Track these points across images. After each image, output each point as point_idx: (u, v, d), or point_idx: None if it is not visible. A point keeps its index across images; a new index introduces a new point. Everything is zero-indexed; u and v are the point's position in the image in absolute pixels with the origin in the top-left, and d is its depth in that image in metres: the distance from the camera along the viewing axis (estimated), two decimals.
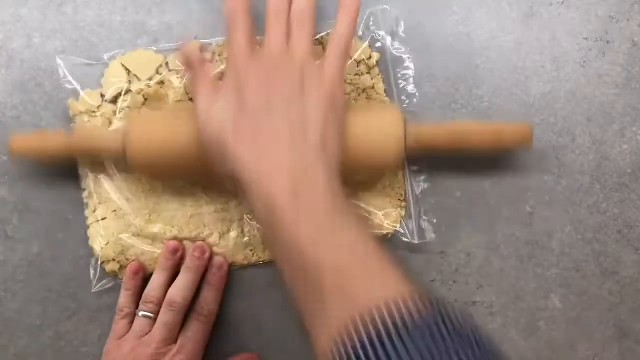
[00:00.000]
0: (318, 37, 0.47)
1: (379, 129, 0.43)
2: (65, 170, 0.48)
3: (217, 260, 0.46)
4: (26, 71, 0.49)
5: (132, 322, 0.45)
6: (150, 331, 0.44)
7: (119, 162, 0.45)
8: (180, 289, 0.44)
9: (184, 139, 0.41)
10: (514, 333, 0.48)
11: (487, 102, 0.49)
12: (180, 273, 0.45)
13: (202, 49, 0.43)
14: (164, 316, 0.44)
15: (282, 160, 0.36)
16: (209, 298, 0.45)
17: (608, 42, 0.49)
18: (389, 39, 0.48)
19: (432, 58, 0.49)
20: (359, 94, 0.47)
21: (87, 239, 0.47)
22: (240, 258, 0.47)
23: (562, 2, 0.49)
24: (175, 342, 0.44)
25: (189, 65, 0.41)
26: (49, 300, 0.48)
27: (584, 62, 0.49)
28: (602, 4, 0.49)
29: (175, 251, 0.45)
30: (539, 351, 0.48)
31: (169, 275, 0.45)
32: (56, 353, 0.47)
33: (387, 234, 0.47)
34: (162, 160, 0.42)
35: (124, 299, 0.45)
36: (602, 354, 0.48)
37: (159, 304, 0.44)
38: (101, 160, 0.46)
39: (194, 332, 0.44)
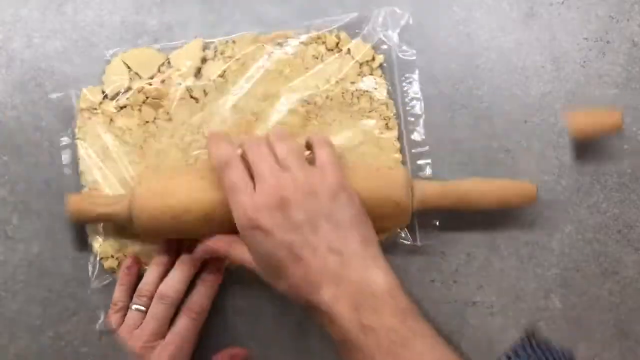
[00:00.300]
0: (319, 33, 0.47)
1: (386, 197, 0.43)
2: (65, 171, 0.48)
3: (211, 272, 0.46)
4: (26, 71, 0.49)
5: (124, 316, 0.45)
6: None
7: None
8: (172, 282, 0.44)
9: (204, 207, 0.42)
10: (514, 333, 0.48)
11: (487, 102, 0.49)
12: (174, 267, 0.45)
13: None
14: (154, 309, 0.44)
15: (336, 274, 0.37)
16: (202, 295, 0.45)
17: (608, 42, 0.49)
18: (395, 40, 0.48)
19: (432, 58, 0.49)
20: (358, 97, 0.47)
21: (86, 236, 0.47)
22: None
23: (562, 2, 0.49)
24: (164, 337, 0.44)
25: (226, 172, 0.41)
26: (49, 300, 0.48)
27: (584, 62, 0.49)
28: (602, 4, 0.49)
29: (169, 247, 0.45)
30: None
31: (163, 271, 0.45)
32: (56, 353, 0.47)
33: (387, 237, 0.47)
34: (174, 231, 0.44)
35: (118, 293, 0.45)
36: (602, 354, 0.48)
37: (152, 298, 0.44)
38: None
39: (183, 328, 0.44)
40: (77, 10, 0.49)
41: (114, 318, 0.45)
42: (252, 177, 0.40)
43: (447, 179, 0.48)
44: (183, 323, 0.44)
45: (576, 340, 0.48)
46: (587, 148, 0.49)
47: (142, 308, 0.44)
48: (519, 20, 0.49)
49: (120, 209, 0.43)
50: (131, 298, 0.45)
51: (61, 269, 0.48)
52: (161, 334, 0.44)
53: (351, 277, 0.37)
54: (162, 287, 0.44)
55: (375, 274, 0.37)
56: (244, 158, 0.41)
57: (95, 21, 0.49)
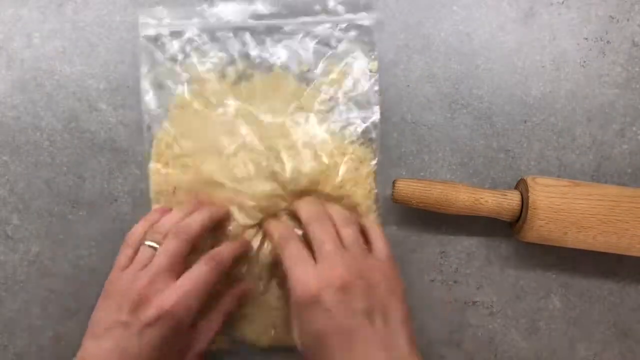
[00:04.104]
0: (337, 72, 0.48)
1: None
2: (66, 171, 0.48)
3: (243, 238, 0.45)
4: (26, 71, 0.49)
5: (135, 254, 0.42)
6: None
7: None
8: (190, 221, 0.42)
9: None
10: (514, 333, 0.48)
11: (487, 102, 0.49)
12: (195, 212, 0.44)
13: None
14: (167, 243, 0.41)
15: None
16: (227, 247, 0.43)
17: (608, 42, 0.49)
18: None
19: (432, 58, 0.49)
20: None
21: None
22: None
23: (562, 2, 0.49)
24: (175, 280, 0.40)
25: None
26: (49, 300, 0.48)
27: (584, 62, 0.49)
28: (602, 4, 0.49)
29: (197, 204, 0.45)
30: (539, 351, 0.48)
31: (185, 216, 0.44)
32: (56, 353, 0.47)
33: None
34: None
35: (139, 228, 0.43)
36: (602, 354, 0.48)
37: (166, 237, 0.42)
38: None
39: (197, 274, 0.40)
40: (77, 10, 0.49)
41: (124, 254, 0.42)
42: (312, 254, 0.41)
43: (447, 179, 0.49)
44: (199, 269, 0.41)
45: (576, 340, 0.48)
46: (587, 149, 0.49)
47: (155, 245, 0.41)
48: (519, 20, 0.49)
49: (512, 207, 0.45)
50: (144, 239, 0.43)
51: (61, 269, 0.48)
52: (171, 272, 0.40)
53: None
54: (178, 224, 0.42)
55: None
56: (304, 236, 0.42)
57: (95, 21, 0.49)
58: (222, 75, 0.48)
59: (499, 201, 0.45)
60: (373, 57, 0.48)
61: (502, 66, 0.49)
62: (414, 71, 0.49)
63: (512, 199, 0.45)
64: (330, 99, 0.48)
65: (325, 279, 0.39)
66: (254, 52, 0.48)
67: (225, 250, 0.43)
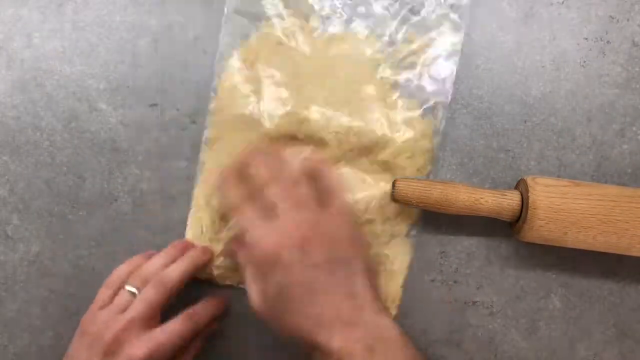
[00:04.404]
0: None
1: None
2: (66, 170, 0.48)
3: (214, 299, 0.46)
4: (26, 71, 0.49)
5: (115, 295, 0.42)
6: None
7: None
8: (171, 271, 0.43)
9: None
10: (514, 333, 0.48)
11: (487, 102, 0.49)
12: (178, 260, 0.44)
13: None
14: (146, 292, 0.41)
15: (350, 318, 0.38)
16: (206, 306, 0.44)
17: (608, 42, 0.49)
18: None
19: None
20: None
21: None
22: None
23: (562, 2, 0.49)
24: (149, 329, 0.41)
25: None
26: (49, 300, 0.48)
27: (584, 62, 0.49)
28: (602, 4, 0.49)
29: (185, 247, 0.45)
30: (539, 351, 0.48)
31: (170, 263, 0.44)
32: (56, 353, 0.47)
33: None
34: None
35: (121, 270, 0.44)
36: (602, 354, 0.48)
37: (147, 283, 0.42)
38: None
39: (173, 329, 0.41)
40: (77, 10, 0.49)
41: (105, 294, 0.42)
42: (266, 212, 0.41)
43: (447, 179, 0.49)
44: (175, 325, 0.42)
45: (576, 340, 0.48)
46: (587, 149, 0.49)
47: (135, 291, 0.42)
48: (519, 20, 0.49)
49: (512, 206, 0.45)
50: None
51: (61, 269, 0.48)
52: (147, 321, 0.41)
53: (364, 321, 0.38)
54: (160, 273, 0.43)
55: (387, 321, 0.38)
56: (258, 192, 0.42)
57: (95, 21, 0.49)
58: (306, 20, 0.48)
59: (499, 201, 0.45)
60: (460, 36, 0.48)
61: (502, 66, 0.49)
62: None
63: (512, 199, 0.45)
64: (408, 66, 0.48)
65: (283, 236, 0.39)
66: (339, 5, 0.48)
67: (204, 311, 0.43)
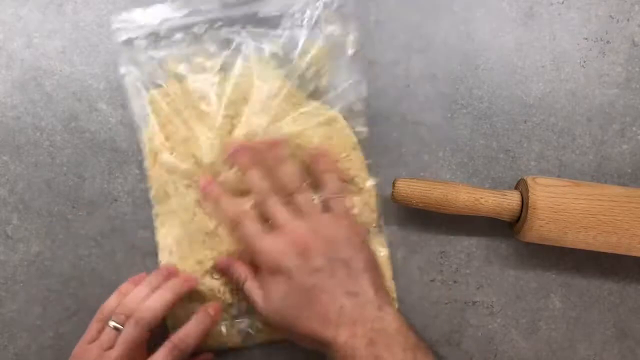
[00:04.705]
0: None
1: None
2: (66, 170, 0.48)
3: (213, 304, 0.45)
4: (26, 71, 0.49)
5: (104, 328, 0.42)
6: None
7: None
8: (151, 304, 0.42)
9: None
10: (514, 333, 0.48)
11: (487, 102, 0.49)
12: (159, 290, 0.43)
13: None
14: (127, 330, 0.41)
15: (352, 315, 0.39)
16: (189, 329, 0.43)
17: (608, 42, 0.49)
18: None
19: (432, 58, 0.49)
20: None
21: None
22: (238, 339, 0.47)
23: (562, 2, 0.49)
24: None
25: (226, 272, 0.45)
26: (49, 300, 0.48)
27: (584, 62, 0.49)
28: (602, 4, 0.49)
29: (169, 274, 0.45)
30: (539, 351, 0.48)
31: (151, 293, 0.43)
32: (56, 353, 0.47)
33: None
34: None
35: (112, 301, 0.44)
36: (602, 354, 0.48)
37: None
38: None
39: None
40: (77, 10, 0.49)
41: (95, 327, 0.42)
42: (267, 223, 0.43)
43: (447, 179, 0.49)
44: (160, 355, 0.41)
45: (576, 340, 0.48)
46: (587, 149, 0.49)
47: (119, 326, 0.42)
48: (519, 20, 0.49)
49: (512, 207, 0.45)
50: None
51: (61, 269, 0.48)
52: (132, 358, 0.41)
53: (366, 317, 0.39)
54: (139, 307, 0.42)
55: (387, 314, 0.40)
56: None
57: (95, 21, 0.49)
58: (202, 69, 0.48)
59: (499, 201, 0.45)
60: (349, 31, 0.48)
61: (502, 66, 0.49)
62: (414, 71, 0.49)
63: (512, 199, 0.45)
64: (314, 73, 0.48)
65: (283, 246, 0.42)
66: (232, 40, 0.48)
67: (189, 336, 0.43)
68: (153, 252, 0.48)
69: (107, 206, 0.48)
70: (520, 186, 0.46)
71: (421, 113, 0.49)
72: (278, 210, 0.43)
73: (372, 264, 0.42)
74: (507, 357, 0.48)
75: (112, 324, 0.42)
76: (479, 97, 0.49)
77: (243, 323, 0.46)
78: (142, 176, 0.48)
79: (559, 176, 0.49)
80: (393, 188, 0.45)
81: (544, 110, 0.49)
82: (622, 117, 0.49)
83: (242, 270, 0.44)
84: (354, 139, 0.47)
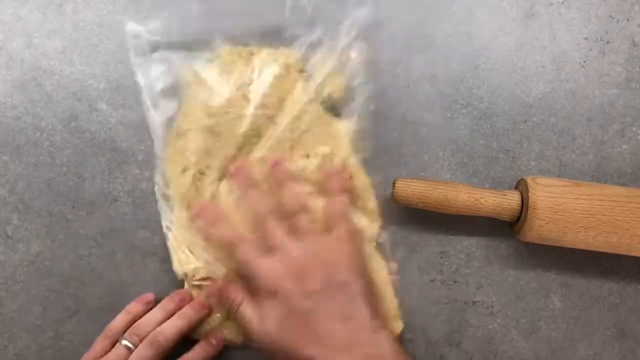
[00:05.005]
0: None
1: None
2: (66, 170, 0.48)
3: (217, 335, 0.45)
4: (26, 71, 0.49)
5: (112, 345, 0.43)
6: None
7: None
8: (166, 328, 0.43)
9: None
10: (514, 333, 0.48)
11: (487, 102, 0.49)
12: (174, 316, 0.44)
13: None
14: (140, 351, 0.42)
15: (348, 341, 0.39)
16: (195, 354, 0.44)
17: (608, 42, 0.49)
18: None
19: (431, 58, 0.49)
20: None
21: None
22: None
23: (562, 2, 0.50)
24: None
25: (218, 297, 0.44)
26: (49, 300, 0.48)
27: (584, 62, 0.49)
28: (602, 4, 0.49)
29: (182, 300, 0.45)
30: (539, 351, 0.48)
31: (166, 317, 0.44)
32: (56, 353, 0.47)
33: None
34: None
35: (119, 321, 0.44)
36: (602, 354, 0.48)
37: (144, 339, 0.43)
38: None
39: None
40: (77, 10, 0.49)
41: (102, 344, 0.43)
42: (264, 243, 0.42)
43: (447, 179, 0.49)
44: None
45: (576, 340, 0.48)
46: (587, 149, 0.49)
47: (132, 347, 0.42)
48: (519, 20, 0.49)
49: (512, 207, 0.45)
50: (126, 330, 0.44)
51: (61, 269, 0.48)
52: None
53: (361, 342, 0.39)
54: (155, 331, 0.43)
55: (383, 339, 0.39)
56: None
57: (95, 21, 0.49)
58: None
59: (499, 201, 0.45)
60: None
61: (502, 66, 0.49)
62: (414, 71, 0.49)
63: (512, 199, 0.45)
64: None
65: (280, 269, 0.41)
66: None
67: (193, 357, 0.43)
68: (153, 252, 0.48)
69: (107, 206, 0.48)
70: (520, 186, 0.46)
71: (421, 113, 0.49)
72: (276, 232, 0.43)
73: (370, 289, 0.42)
74: (507, 357, 0.48)
75: (125, 342, 0.43)
76: (479, 97, 0.49)
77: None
78: (142, 176, 0.48)
79: (559, 176, 0.49)
80: (393, 188, 0.45)
81: (544, 110, 0.49)
82: (622, 117, 0.49)
83: (237, 294, 0.43)
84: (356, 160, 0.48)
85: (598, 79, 0.49)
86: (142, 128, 0.48)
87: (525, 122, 0.49)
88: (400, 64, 0.49)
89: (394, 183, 0.45)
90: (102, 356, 0.43)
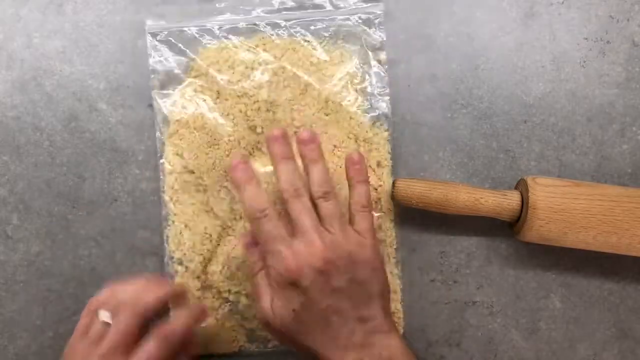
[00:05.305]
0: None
1: None
2: (66, 171, 0.48)
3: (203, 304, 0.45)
4: (26, 71, 0.49)
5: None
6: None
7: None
8: (146, 296, 0.41)
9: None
10: (514, 333, 0.48)
11: (487, 102, 0.49)
12: (153, 286, 0.42)
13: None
14: (120, 320, 0.40)
15: (362, 341, 0.39)
16: (178, 320, 0.42)
17: (608, 42, 0.49)
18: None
19: (432, 58, 0.49)
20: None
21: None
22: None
23: (562, 2, 0.49)
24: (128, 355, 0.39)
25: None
26: (49, 300, 0.48)
27: (584, 62, 0.49)
28: (602, 4, 0.49)
29: (163, 280, 0.45)
30: (539, 351, 0.48)
31: (143, 290, 0.42)
32: (56, 353, 0.47)
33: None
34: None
35: (101, 294, 0.42)
36: (602, 354, 0.48)
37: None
38: None
39: (147, 350, 0.39)
40: (77, 10, 0.49)
41: (84, 321, 0.41)
42: (288, 222, 0.41)
43: (447, 179, 0.49)
44: (148, 345, 0.40)
45: (576, 340, 0.48)
46: (587, 149, 0.49)
47: (108, 320, 0.40)
48: (519, 20, 0.49)
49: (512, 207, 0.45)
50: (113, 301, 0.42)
51: (61, 269, 0.48)
52: (123, 349, 0.39)
53: (374, 343, 0.39)
54: (133, 297, 0.41)
55: (394, 340, 0.40)
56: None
57: (95, 21, 0.49)
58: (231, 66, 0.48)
59: (499, 201, 0.45)
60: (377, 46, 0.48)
61: (502, 66, 0.49)
62: (414, 71, 0.49)
63: (512, 199, 0.45)
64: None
65: (303, 258, 0.39)
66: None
67: (177, 325, 0.41)
68: (153, 252, 0.48)
69: (107, 206, 0.48)
70: (520, 186, 0.46)
71: (421, 113, 0.49)
72: (305, 215, 0.40)
73: (387, 288, 0.41)
74: (507, 357, 0.48)
75: (102, 317, 0.40)
76: (479, 97, 0.49)
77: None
78: (142, 176, 0.48)
79: (559, 176, 0.49)
80: (393, 188, 0.45)
81: (544, 110, 0.49)
82: (622, 117, 0.49)
83: (257, 261, 0.42)
84: (387, 155, 0.48)
85: (598, 79, 0.49)
86: (142, 128, 0.48)
87: (525, 122, 0.49)
88: (400, 64, 0.49)
89: (394, 183, 0.45)
90: (86, 334, 0.41)
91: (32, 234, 0.48)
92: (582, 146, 0.49)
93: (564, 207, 0.43)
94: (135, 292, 0.41)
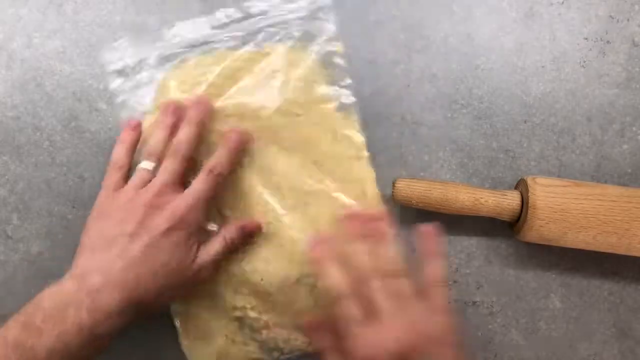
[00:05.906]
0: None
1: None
2: (66, 170, 0.48)
3: (235, 130, 0.45)
4: (26, 71, 0.49)
5: (125, 177, 0.43)
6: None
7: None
8: (183, 138, 0.43)
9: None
10: (514, 333, 0.48)
11: (487, 102, 0.49)
12: (182, 125, 0.44)
13: None
14: (166, 163, 0.42)
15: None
16: (221, 155, 0.43)
17: (608, 42, 0.49)
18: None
19: (432, 58, 0.49)
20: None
21: None
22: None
23: (562, 2, 0.50)
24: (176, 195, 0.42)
25: None
26: None
27: (584, 62, 0.49)
28: (602, 4, 0.49)
29: (176, 111, 0.44)
30: (539, 351, 0.48)
31: (169, 133, 0.44)
32: None
33: None
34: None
35: (119, 152, 0.44)
36: (602, 354, 0.48)
37: (161, 159, 0.43)
38: None
39: (199, 187, 0.42)
40: (77, 10, 0.49)
41: (115, 178, 0.43)
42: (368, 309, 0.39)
43: (447, 179, 0.49)
44: (199, 182, 0.42)
45: (576, 340, 0.48)
46: (587, 149, 0.49)
47: (150, 167, 0.43)
48: (519, 20, 0.49)
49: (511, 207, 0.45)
50: (131, 158, 0.44)
51: (61, 269, 0.48)
52: (173, 189, 0.42)
53: None
54: (174, 143, 0.43)
55: None
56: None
57: (95, 21, 0.49)
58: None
59: (499, 201, 0.45)
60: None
61: (502, 66, 0.49)
62: (414, 71, 0.49)
63: (512, 199, 0.45)
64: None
65: (380, 342, 0.38)
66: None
67: (220, 158, 0.43)
68: None
69: None
70: (520, 186, 0.46)
71: (421, 113, 0.49)
72: (381, 297, 0.39)
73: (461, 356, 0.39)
74: (507, 357, 0.48)
75: (144, 165, 0.43)
76: (479, 97, 0.49)
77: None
78: None
79: (559, 176, 0.49)
80: (393, 188, 0.45)
81: (544, 110, 0.49)
82: (622, 117, 0.49)
83: (323, 340, 0.42)
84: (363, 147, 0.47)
85: (598, 79, 0.49)
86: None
87: (525, 122, 0.49)
88: (400, 64, 0.49)
89: (394, 183, 0.45)
90: (122, 187, 0.43)
91: (32, 234, 0.48)
92: (582, 146, 0.49)
93: (564, 207, 0.43)
94: (166, 137, 0.44)
